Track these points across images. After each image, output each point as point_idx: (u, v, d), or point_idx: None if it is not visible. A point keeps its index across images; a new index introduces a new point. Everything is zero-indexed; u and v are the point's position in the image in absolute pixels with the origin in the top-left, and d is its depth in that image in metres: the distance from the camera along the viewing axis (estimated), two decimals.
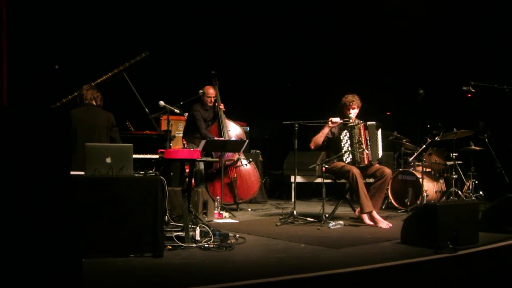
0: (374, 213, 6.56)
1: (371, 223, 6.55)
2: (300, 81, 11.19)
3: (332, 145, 6.96)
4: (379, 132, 6.97)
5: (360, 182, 6.53)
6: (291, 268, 4.31)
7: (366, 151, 6.79)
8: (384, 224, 6.47)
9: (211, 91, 8.18)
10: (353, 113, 6.95)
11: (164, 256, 4.58)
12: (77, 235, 3.60)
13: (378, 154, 6.92)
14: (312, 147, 6.99)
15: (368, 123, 6.91)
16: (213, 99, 8.22)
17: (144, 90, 6.82)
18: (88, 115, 5.87)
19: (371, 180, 6.95)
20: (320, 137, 6.86)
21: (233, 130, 8.35)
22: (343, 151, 6.80)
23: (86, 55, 8.44)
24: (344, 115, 6.96)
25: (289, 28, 10.18)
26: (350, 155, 6.80)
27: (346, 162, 6.79)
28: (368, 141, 6.85)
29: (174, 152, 5.48)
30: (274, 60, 10.53)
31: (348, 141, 6.85)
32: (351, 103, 6.92)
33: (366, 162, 6.81)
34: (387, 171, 6.77)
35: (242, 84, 10.15)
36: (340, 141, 6.85)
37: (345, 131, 6.86)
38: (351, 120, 6.91)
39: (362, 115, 7.11)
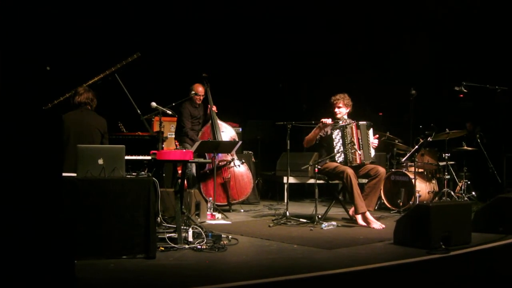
0: (367, 214, 6.57)
1: (364, 223, 6.55)
2: (292, 82, 11.20)
3: (325, 145, 6.96)
4: (371, 131, 6.98)
5: (355, 183, 6.53)
6: (283, 269, 4.30)
7: (359, 151, 6.79)
8: (377, 224, 6.47)
9: (200, 89, 8.12)
10: (340, 111, 6.96)
11: (156, 258, 4.57)
12: (69, 237, 3.60)
13: (371, 154, 6.93)
14: (306, 146, 7.04)
15: (360, 122, 6.91)
16: (201, 97, 8.17)
17: (136, 91, 6.79)
18: (83, 118, 5.84)
19: (364, 180, 6.96)
20: (312, 137, 6.90)
21: (226, 131, 8.33)
22: (335, 151, 6.81)
23: (78, 56, 8.39)
24: (333, 114, 6.99)
25: (282, 28, 10.18)
26: (342, 154, 6.80)
27: (338, 162, 6.80)
28: (360, 140, 6.85)
29: (167, 153, 5.47)
30: (266, 61, 10.51)
31: (340, 140, 6.85)
32: (336, 102, 6.97)
33: (358, 162, 6.81)
34: (381, 170, 6.78)
35: (234, 85, 10.12)
36: (333, 140, 6.86)
37: (337, 130, 6.87)
38: (344, 120, 6.93)
39: (355, 116, 7.13)
